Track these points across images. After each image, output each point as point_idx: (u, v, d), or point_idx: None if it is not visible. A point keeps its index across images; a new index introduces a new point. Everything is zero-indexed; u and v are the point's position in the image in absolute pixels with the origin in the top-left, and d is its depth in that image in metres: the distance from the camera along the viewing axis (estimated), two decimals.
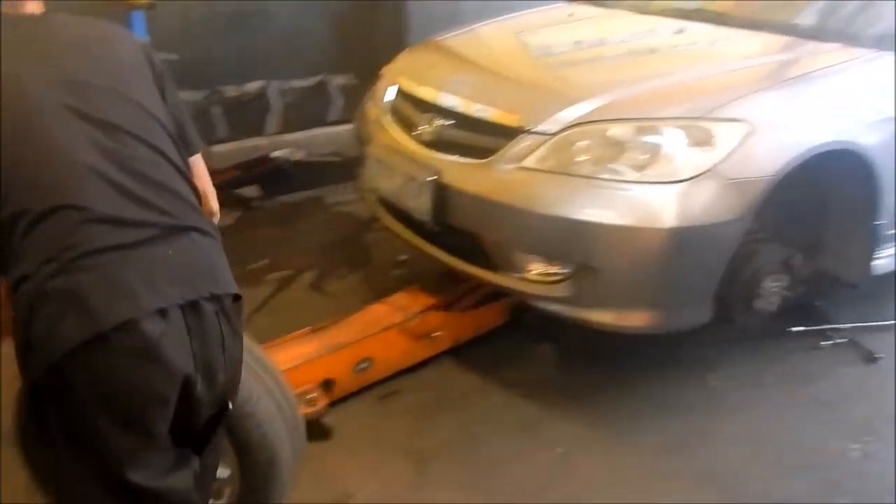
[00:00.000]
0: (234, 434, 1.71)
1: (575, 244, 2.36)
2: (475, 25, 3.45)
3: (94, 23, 1.50)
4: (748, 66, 2.80)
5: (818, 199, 2.66)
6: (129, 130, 1.34)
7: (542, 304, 2.52)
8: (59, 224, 1.23)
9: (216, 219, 1.66)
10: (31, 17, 1.45)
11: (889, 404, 2.51)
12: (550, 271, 2.44)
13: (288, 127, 4.54)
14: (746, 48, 2.95)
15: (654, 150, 2.34)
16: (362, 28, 4.68)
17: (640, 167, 2.32)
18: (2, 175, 1.25)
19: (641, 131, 2.39)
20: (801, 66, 2.71)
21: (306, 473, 2.24)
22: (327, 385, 2.47)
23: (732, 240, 2.39)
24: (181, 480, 1.37)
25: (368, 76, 3.43)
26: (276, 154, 4.29)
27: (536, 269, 2.46)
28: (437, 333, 2.73)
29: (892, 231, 2.71)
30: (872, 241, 2.66)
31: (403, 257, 3.42)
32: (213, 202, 1.64)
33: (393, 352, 2.65)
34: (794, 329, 2.83)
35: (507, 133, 2.51)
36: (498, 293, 2.81)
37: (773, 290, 2.62)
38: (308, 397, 2.38)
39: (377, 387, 2.62)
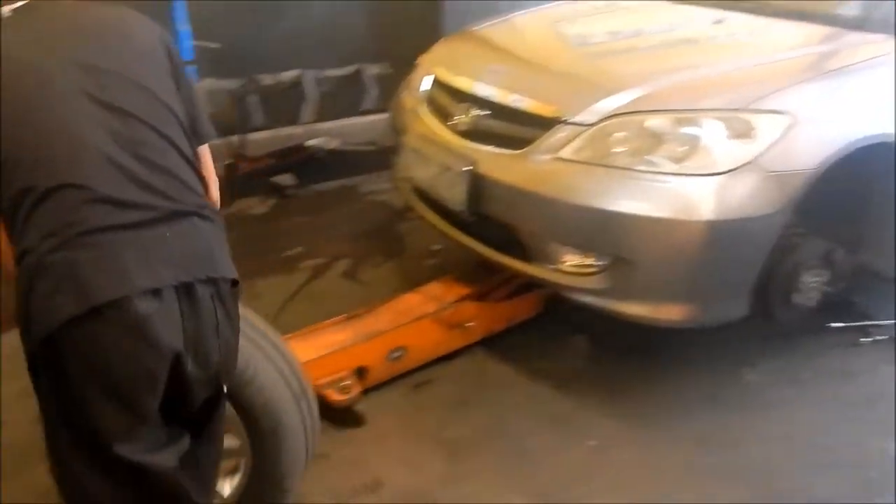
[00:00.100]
0: (236, 402, 1.73)
1: (611, 236, 2.34)
2: (511, 15, 3.43)
3: (114, 10, 1.52)
4: (789, 56, 2.74)
5: (860, 192, 2.60)
6: (140, 117, 1.38)
7: (576, 296, 2.50)
8: (62, 202, 1.27)
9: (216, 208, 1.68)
10: (51, 2, 1.48)
11: None
12: (585, 263, 2.43)
13: (323, 116, 4.57)
14: (787, 38, 2.90)
15: (693, 142, 2.32)
16: (398, 17, 4.68)
17: (679, 159, 2.30)
18: (12, 153, 1.30)
19: (680, 123, 2.36)
20: (844, 57, 2.65)
21: (338, 459, 2.28)
22: (361, 373, 2.49)
23: (771, 234, 2.35)
24: (167, 459, 1.41)
25: (403, 66, 3.43)
26: (311, 143, 4.32)
27: (571, 260, 2.45)
28: (471, 324, 2.74)
29: None
30: None
31: (437, 247, 3.42)
32: (215, 191, 1.67)
33: (426, 341, 2.66)
34: (834, 325, 2.79)
35: (544, 123, 2.50)
36: (531, 284, 2.81)
37: (812, 284, 2.58)
38: (342, 384, 2.41)
39: (410, 376, 2.64)
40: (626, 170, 2.33)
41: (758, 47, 2.89)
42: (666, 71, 2.65)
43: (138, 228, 1.30)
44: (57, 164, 1.29)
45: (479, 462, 2.29)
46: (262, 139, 4.32)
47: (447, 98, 2.88)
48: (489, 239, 2.67)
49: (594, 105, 2.44)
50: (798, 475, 2.22)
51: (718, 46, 2.94)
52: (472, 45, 3.18)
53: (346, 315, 2.70)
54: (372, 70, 4.69)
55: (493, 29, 3.28)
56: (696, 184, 2.27)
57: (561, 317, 2.88)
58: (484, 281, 2.89)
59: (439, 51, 3.25)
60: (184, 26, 2.27)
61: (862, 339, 2.77)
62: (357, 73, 4.68)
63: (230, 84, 4.25)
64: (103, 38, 1.45)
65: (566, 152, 2.43)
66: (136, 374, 1.31)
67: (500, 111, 2.63)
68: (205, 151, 1.62)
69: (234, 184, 4.06)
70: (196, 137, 1.54)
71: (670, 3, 3.29)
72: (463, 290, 2.81)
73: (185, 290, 1.33)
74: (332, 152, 4.31)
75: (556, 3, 3.61)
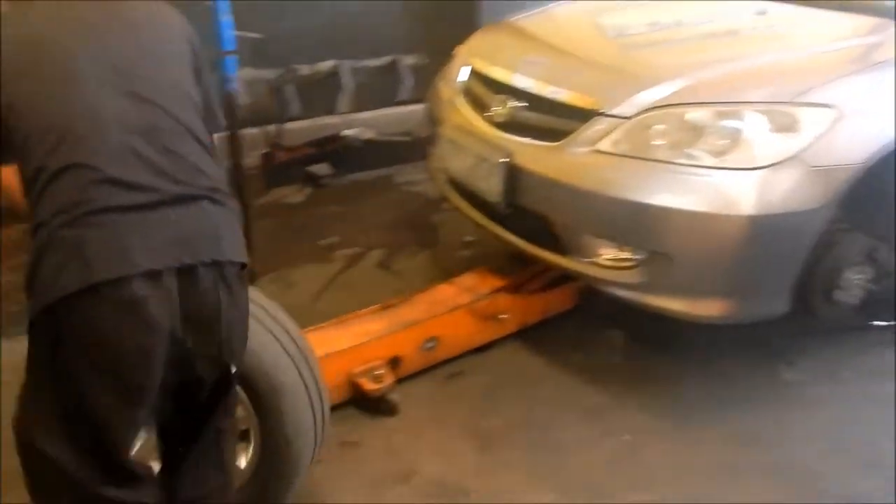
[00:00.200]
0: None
1: (648, 230, 2.32)
2: (549, 6, 3.41)
3: (144, 2, 1.58)
4: (835, 48, 2.68)
5: None
6: (158, 103, 1.44)
7: (611, 290, 2.48)
8: (73, 181, 1.33)
9: None
10: None
11: None
12: (622, 257, 2.41)
13: (359, 106, 4.59)
14: (833, 30, 2.83)
15: (735, 136, 2.28)
16: (434, 8, 4.67)
17: (719, 153, 2.26)
18: (36, 131, 1.36)
19: (721, 116, 2.32)
20: (891, 48, 2.58)
21: (371, 448, 2.30)
22: (394, 362, 2.50)
23: (814, 229, 2.31)
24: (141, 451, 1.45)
25: (440, 56, 3.42)
26: (347, 132, 4.34)
27: (607, 254, 2.43)
28: (504, 315, 2.73)
29: None
30: None
31: (471, 238, 3.42)
32: None
33: (460, 332, 2.66)
34: (876, 323, 2.73)
35: (582, 115, 2.48)
36: (566, 277, 2.79)
37: (855, 282, 2.52)
38: (375, 373, 2.42)
39: (443, 366, 2.64)
40: (665, 163, 2.30)
41: (802, 39, 2.83)
42: (707, 63, 2.61)
43: (144, 210, 1.34)
44: (73, 145, 1.35)
45: (511, 453, 2.29)
46: (299, 129, 4.35)
47: (484, 89, 2.87)
48: (524, 231, 2.66)
49: (633, 97, 2.41)
50: (839, 475, 2.18)
51: (761, 38, 2.89)
52: (509, 36, 3.16)
53: (380, 305, 2.71)
54: (407, 60, 4.70)
55: (530, 19, 3.26)
56: (737, 178, 2.23)
57: (596, 310, 2.86)
58: (518, 273, 2.88)
59: (476, 41, 3.24)
60: (226, 17, 2.30)
61: None
62: (393, 64, 4.69)
63: (268, 74, 4.29)
64: (130, 27, 1.50)
65: (604, 145, 2.40)
66: (129, 353, 1.34)
67: (538, 103, 2.62)
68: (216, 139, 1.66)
69: (270, 173, 4.10)
70: (211, 127, 1.60)
71: None
72: (497, 282, 2.81)
73: (188, 273, 1.36)
74: (368, 142, 4.32)
75: None
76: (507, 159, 2.56)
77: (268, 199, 3.98)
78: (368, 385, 2.40)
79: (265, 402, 1.82)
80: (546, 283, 2.87)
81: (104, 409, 1.37)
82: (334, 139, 4.33)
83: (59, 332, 1.34)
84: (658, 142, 2.34)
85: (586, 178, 2.40)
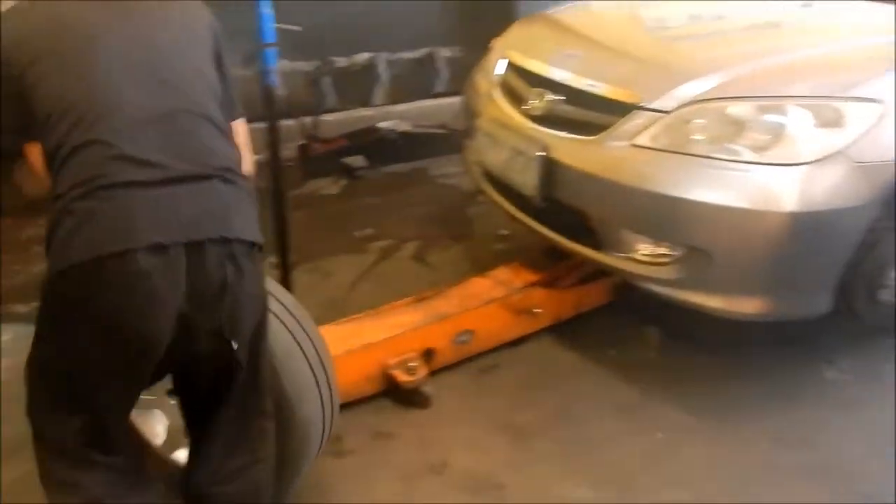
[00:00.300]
0: None
1: (687, 226, 2.29)
2: None
3: None
4: (882, 41, 2.60)
5: None
6: (178, 87, 1.49)
7: (648, 286, 2.46)
8: (89, 156, 1.39)
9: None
10: None
11: None
12: (659, 252, 2.38)
13: (395, 98, 4.60)
14: (880, 22, 2.75)
15: (777, 131, 2.24)
16: (471, 1, 4.66)
17: (761, 148, 2.22)
18: (58, 109, 1.41)
19: (764, 110, 2.28)
20: None
21: (404, 439, 2.31)
22: (428, 355, 2.50)
23: (858, 227, 2.26)
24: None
25: (476, 49, 3.41)
26: (383, 125, 4.36)
27: (644, 249, 2.41)
28: (539, 310, 2.72)
29: None
30: None
31: (505, 232, 3.41)
32: (249, 163, 1.71)
33: (494, 326, 2.66)
34: None
35: (620, 109, 2.45)
36: (601, 272, 2.77)
37: None
38: (409, 365, 2.43)
39: (477, 360, 2.64)
40: (705, 158, 2.27)
41: (848, 31, 2.76)
42: (749, 56, 2.56)
43: (154, 186, 1.39)
44: (92, 123, 1.40)
45: (544, 448, 2.28)
46: (335, 121, 4.38)
47: (521, 82, 2.85)
48: (560, 225, 2.64)
49: (673, 91, 2.38)
50: (881, 477, 2.13)
51: (806, 30, 2.83)
52: (547, 29, 3.14)
53: (414, 297, 2.72)
54: (444, 53, 4.69)
55: (568, 12, 3.23)
56: (780, 174, 2.19)
57: (631, 306, 2.83)
58: (552, 267, 2.87)
59: (514, 34, 3.22)
60: (266, 9, 2.32)
61: None
62: (429, 56, 4.69)
63: (305, 66, 4.31)
64: (152, 12, 1.55)
65: (642, 139, 2.38)
66: (131, 324, 1.38)
67: (575, 96, 2.60)
68: (239, 125, 1.70)
69: (306, 164, 4.13)
70: (230, 113, 1.64)
71: None
72: (531, 276, 2.80)
73: (195, 248, 1.39)
74: (403, 134, 4.34)
75: None
76: (544, 153, 2.54)
77: (304, 190, 4.01)
78: (402, 377, 2.41)
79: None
80: (581, 277, 2.85)
81: (103, 377, 1.43)
82: (370, 131, 4.35)
83: (66, 298, 1.40)
84: (698, 136, 2.31)
85: (624, 172, 2.38)
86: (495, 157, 2.80)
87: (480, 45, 3.32)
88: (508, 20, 3.52)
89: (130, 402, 1.53)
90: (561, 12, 3.23)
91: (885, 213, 2.35)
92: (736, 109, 2.30)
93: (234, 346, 1.50)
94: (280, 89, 2.55)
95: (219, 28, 1.66)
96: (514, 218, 2.87)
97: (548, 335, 2.77)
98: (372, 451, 2.27)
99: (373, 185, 4.08)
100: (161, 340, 1.41)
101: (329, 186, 4.09)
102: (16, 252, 3.21)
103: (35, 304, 1.48)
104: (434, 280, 3.01)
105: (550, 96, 2.65)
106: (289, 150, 3.93)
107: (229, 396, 1.57)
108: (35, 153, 1.49)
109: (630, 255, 2.44)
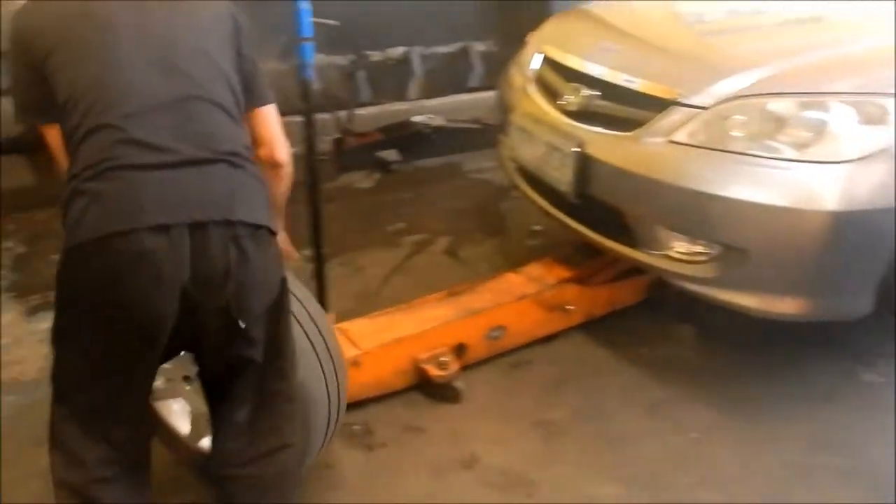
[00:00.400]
0: None
1: (724, 224, 2.25)
2: None
3: None
4: None
5: None
6: (191, 74, 1.53)
7: (683, 284, 2.43)
8: (101, 139, 1.45)
9: (287, 170, 1.75)
10: None
11: None
12: (695, 250, 2.35)
13: (429, 92, 4.60)
14: None
15: (819, 128, 2.19)
16: None
17: (802, 145, 2.18)
18: (74, 95, 1.47)
19: (806, 106, 2.24)
20: None
21: (435, 434, 2.32)
22: (460, 350, 2.51)
23: None
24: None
25: (511, 43, 3.40)
26: (417, 119, 4.36)
27: (680, 247, 2.38)
28: (571, 307, 2.71)
29: None
30: None
31: (539, 227, 3.40)
32: (279, 151, 1.73)
33: (526, 322, 2.65)
34: None
35: (657, 105, 2.42)
36: (635, 270, 2.75)
37: None
38: (441, 360, 2.44)
39: (508, 356, 2.64)
40: (744, 155, 2.23)
41: (893, 26, 2.69)
42: (790, 51, 2.51)
43: (161, 169, 1.44)
44: (106, 108, 1.46)
45: (574, 445, 2.28)
46: (369, 115, 4.39)
47: (556, 77, 2.83)
48: (594, 221, 2.63)
49: (712, 86, 2.35)
50: None
51: (849, 24, 2.76)
52: (582, 23, 3.11)
53: (446, 291, 2.72)
54: (478, 47, 4.68)
55: (604, 6, 3.20)
56: (821, 172, 2.15)
57: (665, 304, 2.81)
58: (586, 264, 2.85)
59: (549, 28, 3.20)
60: (304, 3, 2.33)
61: None
62: (463, 51, 4.68)
63: (339, 60, 4.33)
64: (168, 3, 1.59)
65: (680, 135, 2.35)
66: (136, 302, 1.43)
67: (611, 91, 2.57)
68: (267, 112, 1.72)
69: (341, 158, 4.15)
70: (255, 100, 1.68)
71: None
72: (564, 273, 2.79)
73: (199, 230, 1.43)
74: (437, 129, 4.34)
75: None
76: (579, 149, 2.52)
77: (338, 183, 4.03)
78: (434, 371, 2.42)
79: None
80: (614, 274, 2.83)
81: (114, 351, 1.47)
82: (404, 125, 4.35)
83: (77, 273, 1.46)
84: (737, 133, 2.27)
85: (661, 169, 2.35)
86: (529, 153, 2.79)
87: (515, 39, 3.30)
88: (543, 15, 3.51)
89: (143, 379, 1.57)
90: (597, 7, 3.20)
91: None
92: (776, 105, 2.26)
93: (242, 324, 1.53)
94: (316, 83, 2.56)
95: (240, 15, 1.68)
96: (547, 214, 2.85)
97: (580, 332, 2.76)
98: (402, 444, 2.28)
99: (406, 179, 4.09)
100: (166, 317, 1.45)
101: (363, 180, 4.11)
102: (59, 240, 3.26)
103: None
104: (466, 275, 3.01)
105: (586, 91, 2.63)
106: (324, 144, 3.96)
107: (247, 377, 1.60)
108: (54, 135, 1.56)
109: (665, 252, 2.41)
